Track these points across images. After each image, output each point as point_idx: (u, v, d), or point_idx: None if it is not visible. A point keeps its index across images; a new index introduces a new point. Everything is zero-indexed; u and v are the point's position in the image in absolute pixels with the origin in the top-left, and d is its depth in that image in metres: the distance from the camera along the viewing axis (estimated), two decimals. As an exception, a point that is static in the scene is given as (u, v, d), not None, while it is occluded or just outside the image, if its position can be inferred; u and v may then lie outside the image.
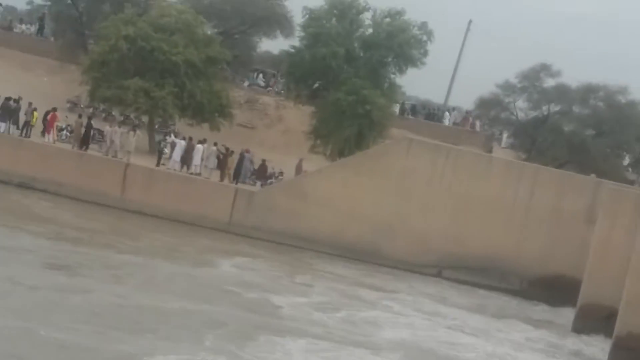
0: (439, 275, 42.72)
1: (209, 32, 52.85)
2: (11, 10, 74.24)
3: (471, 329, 34.54)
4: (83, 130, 44.71)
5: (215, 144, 45.94)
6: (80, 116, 46.94)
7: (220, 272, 35.55)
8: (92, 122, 46.07)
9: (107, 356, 22.66)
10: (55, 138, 45.05)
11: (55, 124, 45.08)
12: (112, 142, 44.39)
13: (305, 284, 36.47)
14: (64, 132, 46.37)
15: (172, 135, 48.05)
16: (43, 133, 44.73)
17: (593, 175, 47.21)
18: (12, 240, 33.31)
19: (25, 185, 41.92)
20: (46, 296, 27.28)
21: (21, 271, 29.09)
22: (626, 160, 63.21)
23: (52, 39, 61.75)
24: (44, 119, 45.08)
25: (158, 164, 44.77)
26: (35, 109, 44.69)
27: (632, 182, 55.20)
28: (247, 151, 46.60)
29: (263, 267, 37.59)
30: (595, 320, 36.63)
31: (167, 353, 23.49)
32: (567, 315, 38.68)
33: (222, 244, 40.20)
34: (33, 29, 64.72)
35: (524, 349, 33.09)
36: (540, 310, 40.44)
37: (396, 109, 58.41)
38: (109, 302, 27.79)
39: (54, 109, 44.97)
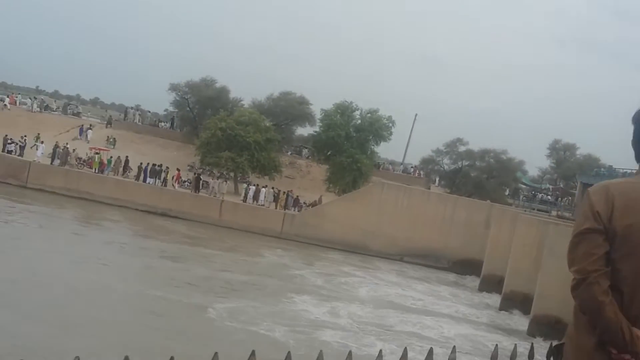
0: (401, 260, 49.46)
1: (267, 124, 59.38)
2: (155, 114, 76.94)
3: (417, 289, 40.99)
4: (195, 181, 51.73)
5: (273, 188, 53.15)
6: (195, 174, 54.08)
7: (269, 259, 41.22)
8: (201, 177, 53.10)
9: (185, 304, 26.70)
10: (179, 186, 52.02)
11: (180, 178, 52.23)
12: (213, 188, 51.51)
13: (318, 264, 42.71)
14: (186, 183, 52.72)
15: (248, 184, 53.88)
16: (173, 184, 51.56)
17: (488, 201, 54.21)
18: (147, 242, 39.25)
19: (164, 214, 48.37)
20: (158, 273, 32.62)
21: (146, 259, 34.80)
22: (507, 192, 69.91)
23: (178, 130, 68.46)
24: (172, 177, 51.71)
25: (244, 200, 51.53)
26: (168, 171, 51.86)
27: (510, 204, 61.19)
28: (291, 191, 54.11)
29: (296, 256, 43.57)
30: (492, 284, 43.28)
31: (226, 303, 27.70)
32: (475, 281, 46.25)
33: (276, 244, 46.02)
34: (168, 124, 71.01)
35: (449, 299, 39.77)
36: (459, 279, 47.37)
37: (374, 165, 65.33)
38: (197, 276, 32.49)
39: (178, 170, 52.74)
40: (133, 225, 43.80)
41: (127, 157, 54.12)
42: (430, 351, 2.64)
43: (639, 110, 3.17)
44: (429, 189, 63.99)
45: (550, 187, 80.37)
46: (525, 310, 36.27)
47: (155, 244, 39.18)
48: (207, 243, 42.01)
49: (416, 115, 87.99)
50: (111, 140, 61.95)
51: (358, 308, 32.53)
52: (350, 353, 2.39)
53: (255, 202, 51.79)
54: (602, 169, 62.03)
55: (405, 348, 2.60)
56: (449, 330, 31.66)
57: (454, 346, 2.80)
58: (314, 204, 53.99)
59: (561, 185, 78.91)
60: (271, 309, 28.58)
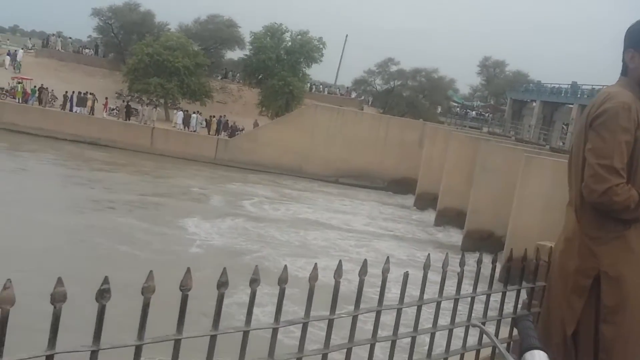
0: (336, 181, 49.99)
1: (196, 48, 58.85)
2: (78, 41, 76.93)
3: (354, 206, 42.86)
4: (125, 109, 51.03)
5: (200, 113, 53.23)
6: (123, 101, 53.28)
7: (185, 182, 41.22)
8: (130, 104, 52.36)
9: (85, 225, 27.65)
10: (108, 114, 51.20)
11: (108, 106, 51.50)
12: (143, 115, 50.98)
13: (252, 184, 44.04)
14: (114, 111, 51.74)
15: (177, 110, 53.90)
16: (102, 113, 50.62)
17: (421, 120, 54.21)
18: (67, 171, 39.35)
19: (94, 144, 47.52)
20: (72, 190, 34.55)
21: (64, 186, 35.76)
22: (439, 110, 70.84)
23: (103, 57, 67.23)
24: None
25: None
26: (96, 99, 51.02)
27: (442, 122, 61.16)
28: (222, 117, 54.10)
29: (222, 180, 43.81)
30: (427, 202, 44.43)
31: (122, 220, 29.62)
32: (410, 200, 47.03)
33: (209, 170, 46.15)
34: (92, 51, 69.26)
35: (384, 217, 40.89)
36: (395, 197, 48.39)
37: (307, 88, 66.03)
38: (108, 199, 33.54)
39: (106, 98, 51.85)
40: (58, 155, 43.27)
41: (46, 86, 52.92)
42: (365, 262, 2.70)
43: (629, 28, 3.32)
44: (362, 109, 64.31)
45: (481, 104, 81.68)
46: (460, 226, 37.09)
47: (75, 172, 39.17)
48: (127, 169, 42.34)
49: (347, 36, 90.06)
50: (17, 66, 59.99)
51: (276, 228, 33.03)
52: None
53: (186, 128, 51.76)
54: (531, 85, 63.35)
55: (340, 261, 2.65)
56: (382, 246, 32.34)
57: (387, 257, 2.87)
58: (246, 129, 54.00)
59: (492, 102, 79.85)
60: (160, 230, 28.97)
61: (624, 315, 3.14)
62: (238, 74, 68.84)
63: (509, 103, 65.28)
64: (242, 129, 54.04)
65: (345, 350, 2.80)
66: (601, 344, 3.14)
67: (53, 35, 72.82)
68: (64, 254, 22.70)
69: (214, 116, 53.06)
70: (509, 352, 2.05)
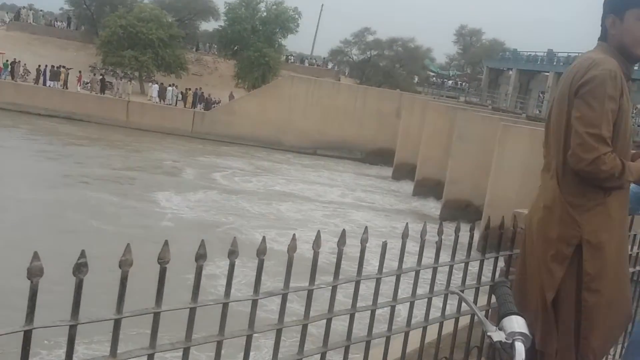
0: (314, 153, 50.09)
1: (170, 20, 58.77)
2: (50, 14, 76.09)
3: (331, 177, 43.03)
4: (99, 83, 50.73)
5: (176, 86, 52.54)
6: (96, 75, 53.18)
7: (158, 156, 41.23)
8: (105, 77, 52.08)
9: (59, 201, 27.62)
10: (82, 88, 50.61)
11: (82, 80, 50.98)
12: (118, 89, 50.64)
13: (227, 157, 44.05)
14: (88, 84, 51.20)
15: (152, 83, 54.03)
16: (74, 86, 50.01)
17: (398, 90, 54.70)
18: (46, 146, 38.92)
19: (69, 118, 47.07)
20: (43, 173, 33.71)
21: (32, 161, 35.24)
22: (416, 80, 71.23)
23: (76, 29, 66.53)
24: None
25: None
26: (68, 72, 50.13)
27: (419, 92, 61.78)
28: (198, 89, 53.01)
29: (195, 153, 43.64)
30: (405, 172, 44.59)
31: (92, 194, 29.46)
32: (388, 170, 47.02)
33: (185, 143, 46.02)
34: (64, 24, 69.00)
35: (362, 189, 40.96)
36: (373, 168, 48.39)
37: (283, 59, 65.96)
38: (80, 173, 33.54)
39: (80, 72, 51.19)
40: (31, 130, 42.72)
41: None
42: (343, 232, 2.71)
43: None
44: (339, 80, 64.16)
45: (458, 73, 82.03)
46: (438, 196, 37.26)
47: (48, 147, 38.86)
48: (101, 143, 42.09)
49: (322, 5, 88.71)
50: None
51: (249, 200, 33.01)
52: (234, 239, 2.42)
53: (162, 101, 51.46)
54: (507, 53, 63.57)
55: (318, 231, 2.65)
56: (360, 217, 32.44)
57: (366, 227, 2.88)
58: (222, 102, 53.80)
59: (468, 71, 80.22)
60: (131, 204, 29.09)
61: (605, 282, 3.19)
62: (213, 46, 68.26)
63: (485, 72, 65.49)
64: (218, 102, 53.87)
65: (325, 320, 2.81)
66: (583, 311, 3.18)
67: (24, 8, 72.49)
68: (33, 229, 22.53)
69: (189, 89, 52.61)
70: (487, 319, 2.08)
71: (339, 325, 2.94)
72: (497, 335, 1.81)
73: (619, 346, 5.13)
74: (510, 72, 58.44)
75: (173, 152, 43.00)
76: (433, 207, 37.41)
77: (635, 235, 4.83)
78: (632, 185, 3.67)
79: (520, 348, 1.76)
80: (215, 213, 29.57)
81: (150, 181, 34.28)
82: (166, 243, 2.24)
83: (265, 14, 61.21)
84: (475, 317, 2.25)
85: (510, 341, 1.78)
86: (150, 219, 26.77)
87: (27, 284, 1.91)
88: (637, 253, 4.91)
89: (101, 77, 52.60)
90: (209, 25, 69.11)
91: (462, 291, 2.70)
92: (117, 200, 29.21)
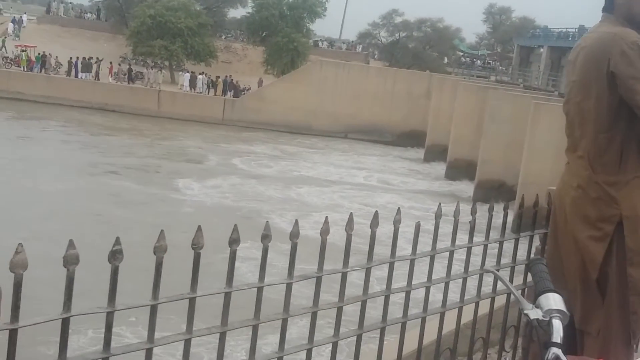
0: (345, 137, 49.77)
1: (198, 8, 59.08)
2: (80, 6, 76.80)
3: (363, 161, 43.02)
4: (127, 73, 51.04)
5: (206, 74, 52.17)
6: (121, 65, 52.72)
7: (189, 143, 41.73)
8: (135, 67, 52.77)
9: (93, 190, 28.48)
10: (114, 78, 50.80)
11: (114, 70, 51.13)
12: (148, 78, 51.09)
13: (257, 142, 44.31)
14: (119, 75, 50.97)
15: (184, 72, 53.62)
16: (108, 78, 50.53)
17: (428, 71, 53.96)
18: (76, 137, 39.63)
19: (102, 109, 47.44)
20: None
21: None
22: (445, 61, 70.27)
23: (106, 21, 66.81)
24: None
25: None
26: (100, 63, 50.54)
27: (449, 73, 60.41)
28: (229, 76, 53.25)
29: (228, 140, 44.13)
30: (437, 154, 43.95)
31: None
32: (420, 152, 46.87)
33: (216, 131, 46.26)
34: (94, 16, 69.13)
35: (396, 171, 41.25)
36: (404, 150, 48.10)
37: (311, 44, 65.83)
38: (113, 163, 34.22)
39: (111, 63, 51.36)
40: (63, 122, 43.14)
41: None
42: (376, 214, 2.70)
43: None
44: (368, 63, 63.95)
45: (488, 52, 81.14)
46: (471, 177, 36.89)
47: (77, 138, 39.50)
48: (131, 133, 42.58)
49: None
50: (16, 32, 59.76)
51: (279, 185, 33.27)
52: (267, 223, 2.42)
53: (193, 90, 51.50)
54: (538, 30, 62.82)
55: (351, 213, 2.64)
56: (392, 199, 32.32)
57: (399, 208, 2.88)
58: (252, 89, 53.82)
59: (498, 50, 79.42)
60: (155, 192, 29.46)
61: None
62: (242, 32, 68.29)
63: (516, 50, 64.81)
64: (248, 89, 53.79)
65: (359, 304, 2.81)
66: (631, 287, 3.15)
67: (54, 1, 72.35)
68: (58, 220, 22.85)
69: (218, 77, 52.74)
70: (524, 297, 2.06)
71: (373, 308, 2.94)
72: (534, 313, 1.80)
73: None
74: (542, 50, 57.64)
75: (202, 139, 43.07)
76: (466, 188, 36.97)
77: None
78: None
79: (557, 325, 1.74)
80: (237, 198, 29.64)
81: (175, 168, 34.58)
82: (199, 229, 2.26)
83: (292, -1, 61.10)
84: (512, 296, 2.23)
85: (547, 319, 1.76)
86: (171, 206, 27.03)
87: (50, 274, 1.93)
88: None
89: (128, 66, 52.83)
90: (236, 13, 69.11)
91: (498, 270, 2.68)
92: (139, 187, 29.60)
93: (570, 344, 1.78)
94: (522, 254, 3.56)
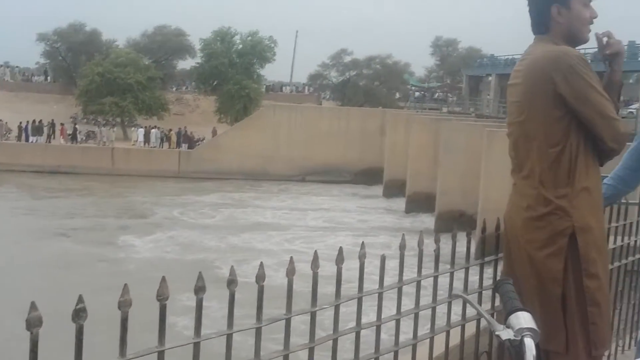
0: (303, 180, 49.71)
1: (146, 62, 59.99)
2: (26, 69, 77.23)
3: (323, 200, 43.58)
4: (71, 133, 50.83)
5: (159, 128, 53.14)
6: (64, 125, 51.97)
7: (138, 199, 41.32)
8: (84, 127, 52.37)
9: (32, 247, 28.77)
10: (65, 140, 50.56)
11: (65, 132, 50.86)
12: (101, 136, 51.00)
13: (211, 192, 43.73)
14: (70, 136, 50.87)
15: (137, 127, 53.95)
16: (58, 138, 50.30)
17: (380, 108, 55.90)
18: (23, 202, 38.62)
19: (55, 172, 46.24)
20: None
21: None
22: (397, 96, 72.33)
23: (54, 82, 67.07)
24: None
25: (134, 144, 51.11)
26: (51, 125, 50.83)
27: (402, 108, 62.68)
28: (182, 128, 53.40)
29: (184, 191, 43.52)
30: (395, 189, 43.99)
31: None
32: (379, 189, 46.80)
33: (172, 184, 45.37)
34: (42, 78, 69.31)
35: (357, 207, 41.71)
36: (363, 188, 48.08)
37: (263, 89, 66.16)
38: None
39: (62, 124, 51.46)
40: (11, 188, 42.54)
41: None
42: (340, 250, 2.70)
43: None
44: (321, 104, 65.53)
45: (438, 84, 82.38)
46: (431, 209, 36.96)
47: (24, 202, 38.96)
48: (82, 193, 42.02)
49: (297, 32, 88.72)
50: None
51: (234, 234, 32.73)
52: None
53: (147, 144, 51.63)
54: (485, 59, 63.99)
55: (315, 251, 2.64)
56: (352, 238, 31.72)
57: (362, 242, 2.87)
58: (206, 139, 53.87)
59: (448, 81, 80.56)
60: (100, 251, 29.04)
61: (600, 266, 3.26)
62: (192, 83, 68.75)
63: (465, 80, 65.81)
64: (203, 139, 54.04)
65: (332, 340, 2.79)
66: (588, 298, 3.20)
67: (0, 66, 72.16)
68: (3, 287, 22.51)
69: (171, 129, 53.00)
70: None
71: (344, 351, 2.91)
72: (506, 334, 1.81)
73: (627, 337, 5.14)
74: (490, 78, 58.62)
75: (153, 194, 42.67)
76: (427, 220, 36.97)
77: (631, 223, 4.87)
78: (607, 179, 3.89)
79: (530, 343, 1.75)
80: (182, 251, 29.38)
81: (121, 225, 34.26)
82: (164, 279, 2.22)
83: (241, 46, 61.32)
84: (482, 321, 2.24)
85: (519, 338, 1.77)
86: (114, 265, 26.70)
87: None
88: (635, 242, 4.94)
89: (73, 127, 52.43)
90: (186, 64, 69.67)
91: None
92: (83, 248, 29.15)
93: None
94: (488, 278, 3.57)
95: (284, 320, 2.59)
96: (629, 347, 5.07)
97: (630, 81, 65.76)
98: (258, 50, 60.83)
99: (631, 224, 4.87)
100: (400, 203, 42.03)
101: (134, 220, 35.66)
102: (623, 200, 4.64)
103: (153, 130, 52.17)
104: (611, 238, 4.58)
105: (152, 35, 65.27)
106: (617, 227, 4.72)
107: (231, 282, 2.37)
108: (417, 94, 76.07)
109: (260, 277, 2.44)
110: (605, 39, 3.36)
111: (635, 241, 4.96)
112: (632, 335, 5.19)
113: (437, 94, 76.27)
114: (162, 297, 2.23)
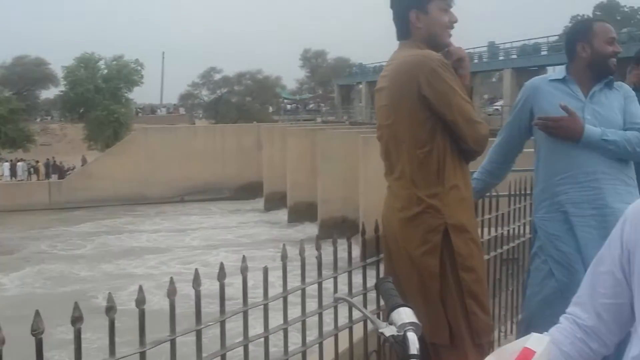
0: (182, 200, 49.49)
1: (7, 94, 57.91)
2: None
3: (203, 218, 43.50)
4: None
5: (25, 160, 51.46)
6: None
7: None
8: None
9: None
10: None
11: None
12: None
13: (82, 223, 42.48)
14: None
15: (2, 161, 51.99)
16: None
17: (255, 123, 55.99)
18: None
19: None
20: None
21: None
22: (270, 110, 73.30)
23: None
24: None
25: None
26: None
27: (276, 121, 62.21)
28: (50, 159, 52.45)
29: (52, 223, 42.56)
30: (276, 201, 44.52)
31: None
32: (260, 203, 47.23)
33: (42, 216, 44.46)
34: None
35: (239, 222, 41.94)
36: (244, 204, 48.29)
37: (133, 113, 65.68)
38: None
39: None
40: None
41: None
42: (221, 266, 2.68)
43: None
44: (194, 124, 65.00)
45: (310, 95, 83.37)
46: (313, 218, 37.46)
47: None
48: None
49: (163, 53, 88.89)
50: None
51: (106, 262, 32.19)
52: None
53: (14, 178, 50.33)
54: (354, 68, 65.40)
55: (196, 269, 2.61)
56: (236, 253, 30.66)
57: (244, 255, 2.86)
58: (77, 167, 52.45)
59: (320, 92, 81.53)
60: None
61: (476, 260, 3.36)
62: (58, 112, 67.69)
63: (336, 90, 66.89)
64: (73, 168, 52.84)
65: (219, 357, 2.76)
66: (465, 290, 3.29)
67: None
68: None
69: (38, 161, 51.66)
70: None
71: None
72: (389, 330, 1.82)
73: (509, 322, 5.33)
74: (360, 86, 59.76)
75: (21, 228, 41.03)
76: (310, 230, 37.14)
77: (503, 214, 5.07)
78: (476, 173, 4.06)
79: (412, 337, 1.77)
80: (53, 284, 28.46)
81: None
82: (37, 313, 2.14)
83: (106, 71, 60.26)
84: (368, 321, 2.27)
85: (402, 333, 1.80)
86: None
87: None
88: (508, 231, 5.15)
89: None
90: (49, 93, 68.51)
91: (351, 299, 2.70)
92: None
93: (425, 357, 1.84)
94: (372, 279, 3.62)
95: (169, 342, 2.55)
96: (511, 332, 5.26)
97: (494, 80, 68.59)
98: (124, 74, 59.97)
99: (503, 214, 5.07)
100: (282, 215, 42.40)
101: (0, 257, 34.27)
102: (494, 193, 4.80)
103: (19, 164, 50.79)
104: (485, 230, 4.76)
105: (11, 67, 63.93)
106: (489, 218, 4.90)
107: (110, 309, 2.31)
108: (290, 106, 76.76)
109: (140, 301, 2.39)
110: (445, 50, 3.44)
111: (508, 231, 5.15)
112: (512, 320, 5.39)
113: (310, 105, 77.23)
114: (37, 332, 2.14)
